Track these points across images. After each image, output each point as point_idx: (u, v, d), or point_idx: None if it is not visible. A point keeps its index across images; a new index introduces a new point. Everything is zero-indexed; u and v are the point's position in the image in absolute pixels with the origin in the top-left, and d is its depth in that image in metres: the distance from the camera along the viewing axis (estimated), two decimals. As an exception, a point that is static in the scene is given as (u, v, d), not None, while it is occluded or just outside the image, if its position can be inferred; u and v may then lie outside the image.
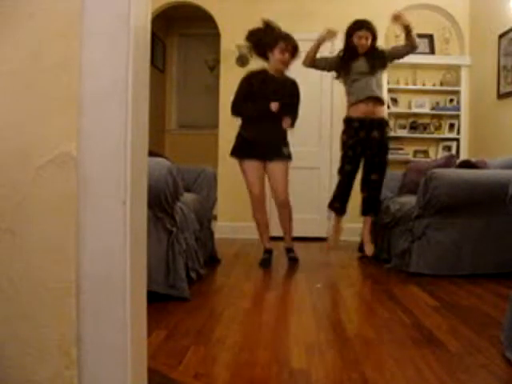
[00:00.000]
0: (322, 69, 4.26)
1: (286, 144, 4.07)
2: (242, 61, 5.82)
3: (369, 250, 4.18)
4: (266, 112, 3.92)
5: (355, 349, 2.15)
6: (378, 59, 4.04)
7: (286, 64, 4.02)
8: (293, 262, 4.13)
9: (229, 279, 3.61)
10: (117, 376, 1.23)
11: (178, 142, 7.38)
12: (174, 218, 2.92)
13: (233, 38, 5.78)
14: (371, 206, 4.23)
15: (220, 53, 5.93)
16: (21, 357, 1.22)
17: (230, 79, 5.85)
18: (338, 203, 4.22)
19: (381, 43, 5.71)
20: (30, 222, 1.22)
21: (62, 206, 1.21)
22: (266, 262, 4.05)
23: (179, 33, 7.66)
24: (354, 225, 5.07)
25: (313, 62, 4.17)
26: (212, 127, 6.59)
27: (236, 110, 4.08)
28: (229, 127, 5.82)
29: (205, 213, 3.93)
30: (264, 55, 4.07)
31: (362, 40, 3.97)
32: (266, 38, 3.99)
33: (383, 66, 4.11)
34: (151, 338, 2.15)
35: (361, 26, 4.02)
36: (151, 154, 2.29)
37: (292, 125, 4.07)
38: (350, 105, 4.15)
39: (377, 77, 4.06)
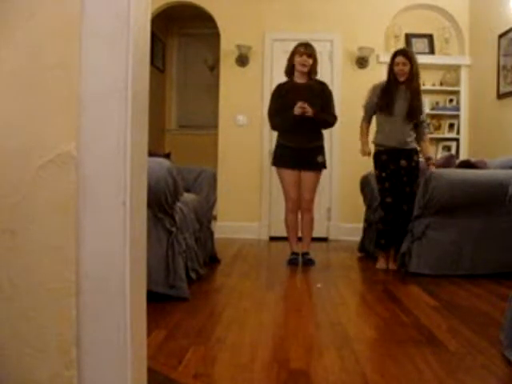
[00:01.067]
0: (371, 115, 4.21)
1: (322, 152, 4.20)
2: (241, 61, 5.82)
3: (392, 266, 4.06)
4: (300, 120, 4.01)
5: (355, 349, 2.15)
6: (417, 106, 4.00)
7: (307, 66, 4.10)
8: (308, 264, 4.14)
9: (229, 279, 3.61)
10: (117, 376, 1.23)
11: (178, 142, 7.38)
12: (174, 218, 2.92)
13: (233, 38, 5.78)
14: (396, 238, 4.02)
15: (220, 53, 5.93)
16: (21, 357, 1.22)
17: (230, 79, 5.87)
18: (384, 239, 4.06)
19: (380, 43, 5.75)
20: (29, 222, 1.21)
21: (62, 206, 1.21)
22: (293, 261, 4.15)
23: (179, 33, 7.65)
24: (354, 225, 5.08)
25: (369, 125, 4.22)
26: (212, 127, 6.59)
27: (272, 124, 4.25)
28: (229, 127, 5.84)
29: (204, 213, 3.93)
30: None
31: (399, 66, 3.97)
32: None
33: (418, 115, 4.06)
34: (151, 338, 2.15)
35: (397, 53, 4.06)
36: (151, 154, 2.29)
37: (326, 125, 4.20)
38: (377, 138, 4.12)
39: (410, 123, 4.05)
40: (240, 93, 5.83)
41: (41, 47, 1.21)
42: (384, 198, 4.04)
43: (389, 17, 5.83)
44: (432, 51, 6.02)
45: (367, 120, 4.19)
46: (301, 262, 4.17)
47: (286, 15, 5.81)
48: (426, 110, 5.97)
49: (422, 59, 5.87)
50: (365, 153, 4.12)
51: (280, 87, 4.22)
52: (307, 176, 4.15)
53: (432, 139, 6.09)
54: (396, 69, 3.99)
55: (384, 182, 4.03)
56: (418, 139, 4.13)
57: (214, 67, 7.15)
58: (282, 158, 4.17)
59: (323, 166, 4.19)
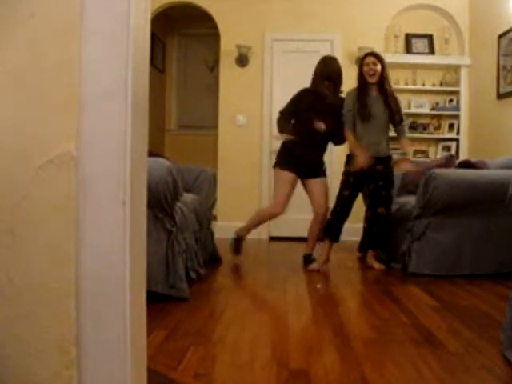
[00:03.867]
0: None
1: (324, 162, 4.27)
2: (241, 61, 5.82)
3: (378, 266, 4.07)
4: (311, 132, 4.02)
5: (355, 349, 2.15)
6: (396, 110, 3.98)
7: (331, 88, 4.10)
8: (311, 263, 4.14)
9: (229, 279, 3.61)
10: (116, 376, 1.23)
11: (177, 142, 7.38)
12: (174, 218, 2.92)
13: (233, 38, 5.78)
14: (380, 241, 4.10)
15: (220, 53, 5.93)
16: (21, 357, 1.22)
17: (230, 79, 5.87)
18: (334, 230, 4.08)
19: (380, 43, 5.74)
20: (29, 222, 1.21)
21: (62, 206, 1.21)
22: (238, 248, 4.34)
23: (179, 33, 7.65)
24: (354, 225, 5.06)
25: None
26: (212, 127, 6.59)
27: (281, 125, 4.20)
28: (228, 127, 5.84)
29: (204, 213, 3.93)
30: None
31: (369, 65, 3.92)
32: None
33: (398, 118, 4.03)
34: (151, 338, 2.15)
35: (366, 55, 4.03)
36: (151, 154, 2.29)
37: (338, 142, 4.25)
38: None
39: (385, 123, 4.04)
40: (240, 93, 5.83)
41: (41, 47, 1.21)
42: (342, 191, 4.05)
43: (389, 17, 5.83)
44: (432, 51, 6.02)
45: (351, 128, 4.05)
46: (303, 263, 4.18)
47: (285, 15, 5.81)
48: (426, 110, 5.99)
49: (421, 59, 5.94)
50: (363, 161, 3.92)
51: (305, 94, 4.13)
52: (316, 182, 4.17)
53: (432, 139, 6.10)
54: (366, 69, 3.94)
55: (349, 176, 4.02)
56: (398, 138, 4.14)
57: (214, 67, 7.15)
58: (287, 161, 4.15)
59: (325, 174, 4.25)
